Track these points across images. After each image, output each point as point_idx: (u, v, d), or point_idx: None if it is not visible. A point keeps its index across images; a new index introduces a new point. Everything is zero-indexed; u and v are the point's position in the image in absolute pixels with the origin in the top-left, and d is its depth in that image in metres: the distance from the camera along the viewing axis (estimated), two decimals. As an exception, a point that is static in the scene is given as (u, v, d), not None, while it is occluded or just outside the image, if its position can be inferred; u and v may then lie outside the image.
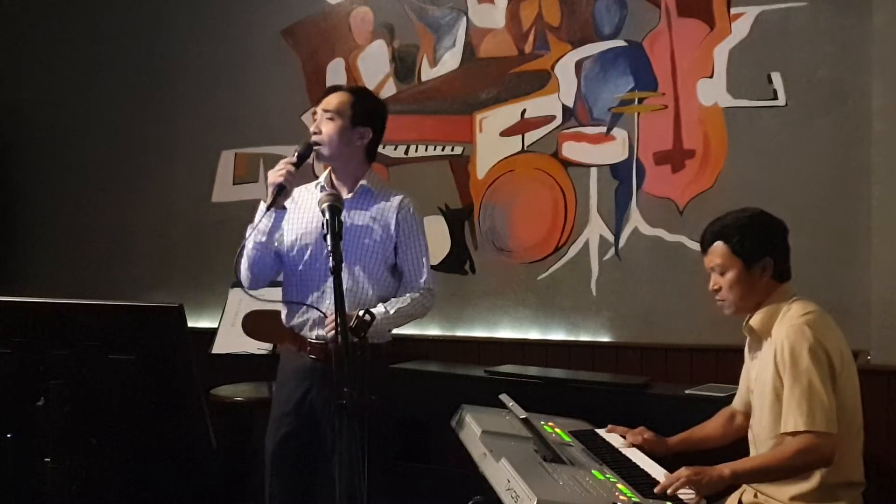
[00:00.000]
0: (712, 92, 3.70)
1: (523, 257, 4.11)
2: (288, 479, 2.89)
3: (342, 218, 2.79)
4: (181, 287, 4.78)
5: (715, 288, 2.51)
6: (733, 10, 3.66)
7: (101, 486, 2.01)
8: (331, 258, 2.30)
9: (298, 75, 4.57)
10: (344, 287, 2.78)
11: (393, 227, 2.90)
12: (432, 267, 4.22)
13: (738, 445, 2.63)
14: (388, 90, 4.36)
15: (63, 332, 1.99)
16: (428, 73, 4.30)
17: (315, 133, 2.84)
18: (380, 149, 4.31)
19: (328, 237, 2.35)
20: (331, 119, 2.83)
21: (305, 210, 2.89)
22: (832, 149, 3.50)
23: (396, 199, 2.93)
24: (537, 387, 3.55)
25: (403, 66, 4.35)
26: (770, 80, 3.59)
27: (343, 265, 2.78)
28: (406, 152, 4.35)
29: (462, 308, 4.24)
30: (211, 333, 4.27)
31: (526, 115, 4.09)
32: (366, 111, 2.89)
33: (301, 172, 2.80)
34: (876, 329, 3.31)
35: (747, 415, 2.61)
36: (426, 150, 4.32)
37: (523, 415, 2.43)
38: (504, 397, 2.63)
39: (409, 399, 3.78)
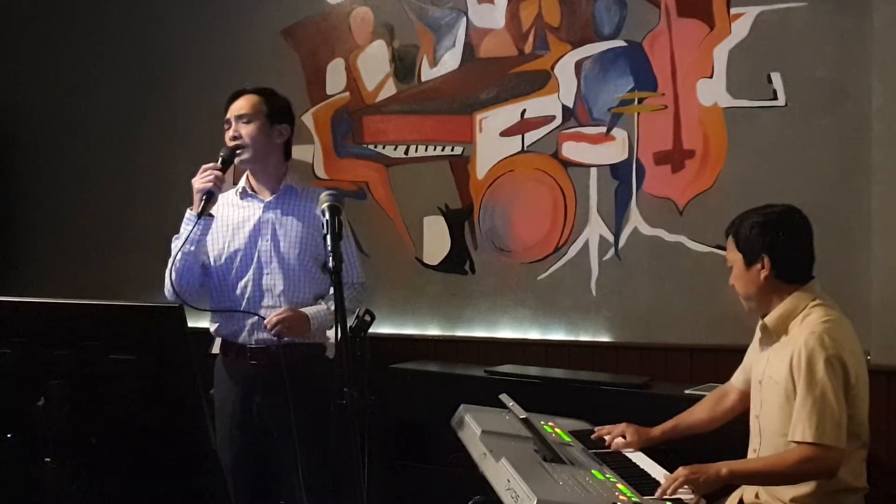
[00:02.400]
0: (712, 92, 3.70)
1: (523, 257, 4.11)
2: (251, 490, 2.86)
3: (270, 218, 2.83)
4: (181, 287, 4.77)
5: (731, 282, 2.53)
6: (733, 11, 3.66)
7: (101, 486, 2.01)
8: (331, 258, 2.29)
9: (298, 75, 4.57)
10: (281, 287, 2.82)
11: (323, 224, 2.89)
12: (432, 267, 4.27)
13: (734, 435, 2.62)
14: (388, 90, 4.36)
15: (63, 332, 1.99)
16: (428, 73, 4.30)
17: (235, 138, 2.80)
18: (380, 149, 4.38)
19: (328, 237, 2.35)
20: (248, 122, 2.81)
21: (229, 218, 2.87)
22: (832, 149, 3.50)
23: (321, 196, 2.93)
24: (537, 387, 3.55)
25: (403, 66, 4.35)
26: (770, 80, 3.59)
27: (276, 265, 2.82)
28: (406, 152, 4.35)
29: (462, 308, 4.24)
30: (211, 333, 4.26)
31: (526, 116, 4.08)
32: (279, 109, 2.88)
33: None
34: (876, 329, 3.31)
35: (743, 393, 2.63)
36: (426, 150, 4.32)
37: (523, 415, 2.43)
38: (504, 397, 2.63)
39: (409, 399, 3.78)
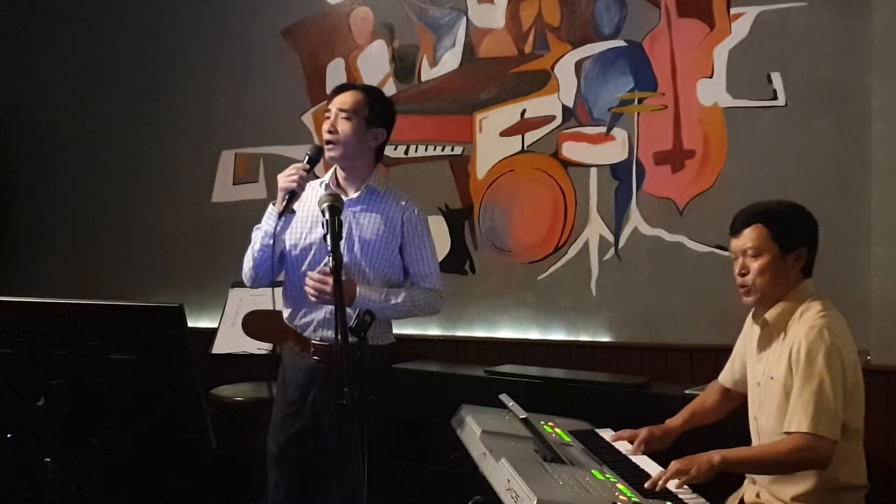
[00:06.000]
0: (712, 92, 3.70)
1: (523, 257, 4.11)
2: (294, 480, 2.89)
3: (348, 217, 2.80)
4: (181, 287, 4.78)
5: (742, 272, 2.45)
6: (733, 10, 3.66)
7: (101, 486, 2.01)
8: (331, 258, 2.29)
9: (298, 75, 4.58)
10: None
11: (398, 228, 2.89)
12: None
13: (736, 436, 2.63)
14: (388, 90, 4.36)
15: (63, 332, 1.99)
16: (428, 73, 4.30)
17: (330, 132, 2.82)
18: (380, 149, 4.38)
19: (328, 237, 2.35)
20: (347, 119, 2.81)
21: (309, 210, 2.87)
22: (832, 149, 3.50)
23: (402, 201, 2.92)
24: (537, 387, 3.55)
25: (403, 66, 4.35)
26: (770, 80, 3.59)
27: (349, 265, 2.81)
28: (406, 152, 4.35)
29: (462, 308, 4.24)
30: (211, 333, 4.26)
31: (526, 115, 4.09)
32: (380, 111, 2.89)
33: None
34: (876, 329, 3.31)
35: (735, 391, 2.68)
36: (426, 150, 4.32)
37: (523, 415, 2.43)
38: (504, 397, 2.62)
39: (409, 399, 3.78)
